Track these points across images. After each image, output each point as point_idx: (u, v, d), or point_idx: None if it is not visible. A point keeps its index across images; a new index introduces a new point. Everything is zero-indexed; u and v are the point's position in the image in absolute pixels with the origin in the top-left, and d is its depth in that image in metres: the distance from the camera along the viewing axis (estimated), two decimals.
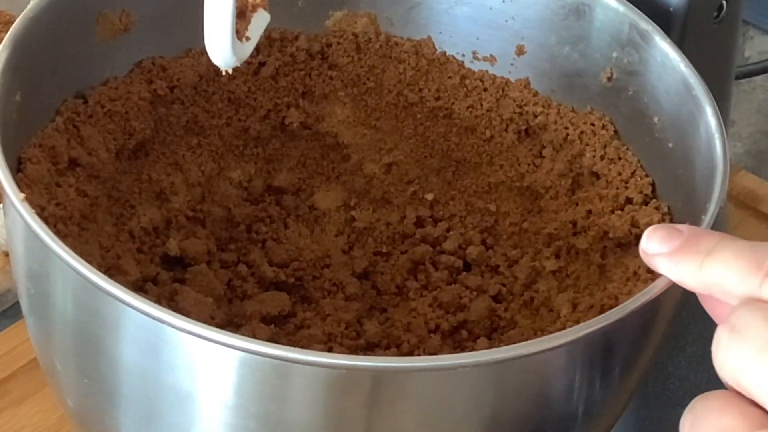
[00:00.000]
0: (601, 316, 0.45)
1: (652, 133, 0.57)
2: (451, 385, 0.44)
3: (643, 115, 0.58)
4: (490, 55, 0.64)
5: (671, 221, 0.56)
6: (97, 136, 0.58)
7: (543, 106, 0.62)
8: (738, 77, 0.94)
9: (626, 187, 0.58)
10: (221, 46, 0.47)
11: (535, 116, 0.63)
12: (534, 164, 0.63)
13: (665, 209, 0.56)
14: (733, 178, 0.86)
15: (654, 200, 0.57)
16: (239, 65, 0.49)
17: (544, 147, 0.63)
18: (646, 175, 0.58)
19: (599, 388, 0.49)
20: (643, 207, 0.57)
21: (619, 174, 0.59)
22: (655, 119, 0.57)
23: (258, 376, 0.44)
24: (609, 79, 0.60)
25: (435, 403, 0.44)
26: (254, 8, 0.50)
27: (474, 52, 0.64)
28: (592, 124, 0.61)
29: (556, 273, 0.60)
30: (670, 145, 0.56)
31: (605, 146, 0.60)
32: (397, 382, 0.43)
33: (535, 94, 0.63)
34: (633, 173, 0.59)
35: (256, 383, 0.44)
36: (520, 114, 0.63)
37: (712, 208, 0.49)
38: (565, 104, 0.62)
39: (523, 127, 0.63)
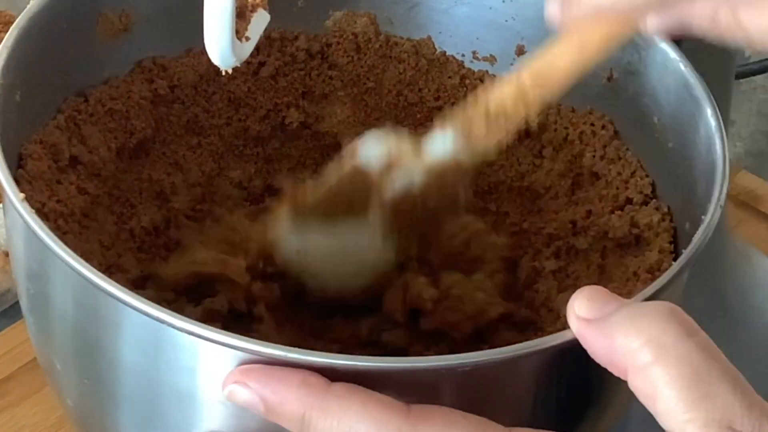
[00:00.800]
0: None
1: (652, 133, 0.57)
2: (450, 385, 0.44)
3: (643, 115, 0.58)
4: (490, 55, 0.64)
5: (671, 221, 0.56)
6: (98, 134, 0.58)
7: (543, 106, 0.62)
8: (738, 77, 0.94)
9: (626, 188, 0.58)
10: (221, 46, 0.47)
11: (535, 116, 0.62)
12: (534, 164, 0.63)
13: (665, 209, 0.56)
14: (733, 178, 0.86)
15: (654, 200, 0.57)
16: (239, 65, 0.49)
17: (544, 147, 0.63)
18: (646, 175, 0.58)
19: (599, 389, 0.48)
20: (643, 207, 0.57)
21: (619, 174, 0.59)
22: (655, 119, 0.57)
23: None
24: (609, 79, 0.60)
25: (434, 402, 0.44)
26: (254, 8, 0.50)
27: (474, 52, 0.64)
28: (592, 124, 0.61)
29: (556, 273, 0.60)
30: (670, 145, 0.56)
31: (605, 146, 0.60)
32: (397, 382, 0.43)
33: None
34: (633, 173, 0.58)
35: None
36: None
37: (712, 208, 0.49)
38: (565, 104, 0.62)
39: (523, 127, 0.63)
